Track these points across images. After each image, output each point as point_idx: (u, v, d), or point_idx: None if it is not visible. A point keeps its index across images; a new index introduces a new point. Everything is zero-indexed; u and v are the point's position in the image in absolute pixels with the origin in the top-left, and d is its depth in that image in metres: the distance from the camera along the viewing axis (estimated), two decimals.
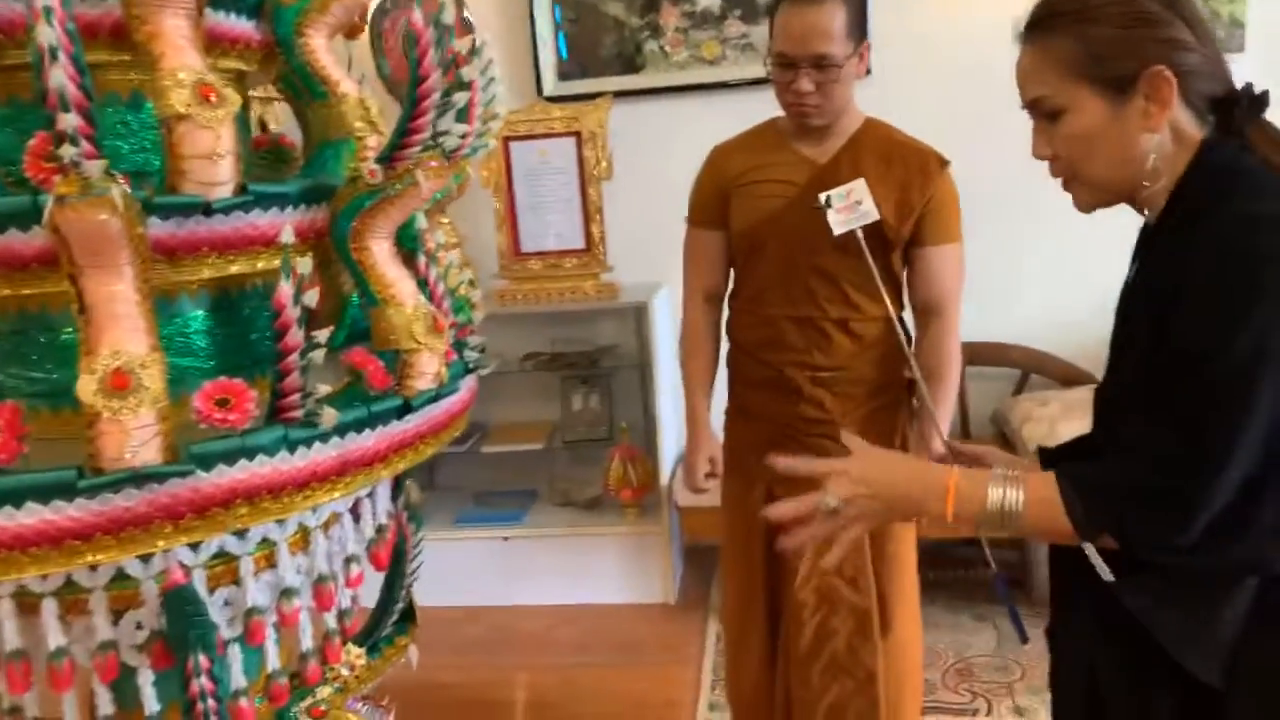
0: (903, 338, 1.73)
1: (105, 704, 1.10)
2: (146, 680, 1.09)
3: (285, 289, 1.01)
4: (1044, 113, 1.12)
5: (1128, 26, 1.05)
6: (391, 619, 1.47)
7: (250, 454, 1.00)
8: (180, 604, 1.04)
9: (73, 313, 0.96)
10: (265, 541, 1.13)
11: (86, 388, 0.93)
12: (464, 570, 3.27)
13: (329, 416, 1.05)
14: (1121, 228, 1.26)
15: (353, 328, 1.33)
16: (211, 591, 1.10)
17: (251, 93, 1.44)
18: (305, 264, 1.01)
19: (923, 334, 2.00)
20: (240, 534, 1.09)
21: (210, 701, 1.06)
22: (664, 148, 3.25)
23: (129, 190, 0.93)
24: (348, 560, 1.25)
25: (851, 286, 1.90)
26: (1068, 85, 1.08)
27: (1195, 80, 1.06)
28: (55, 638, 1.05)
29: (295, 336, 1.02)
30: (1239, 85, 1.09)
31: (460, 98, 1.18)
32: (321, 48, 1.28)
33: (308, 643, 1.21)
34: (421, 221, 1.24)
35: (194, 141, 1.03)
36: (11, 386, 1.11)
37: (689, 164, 2.11)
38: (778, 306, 1.95)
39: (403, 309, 1.17)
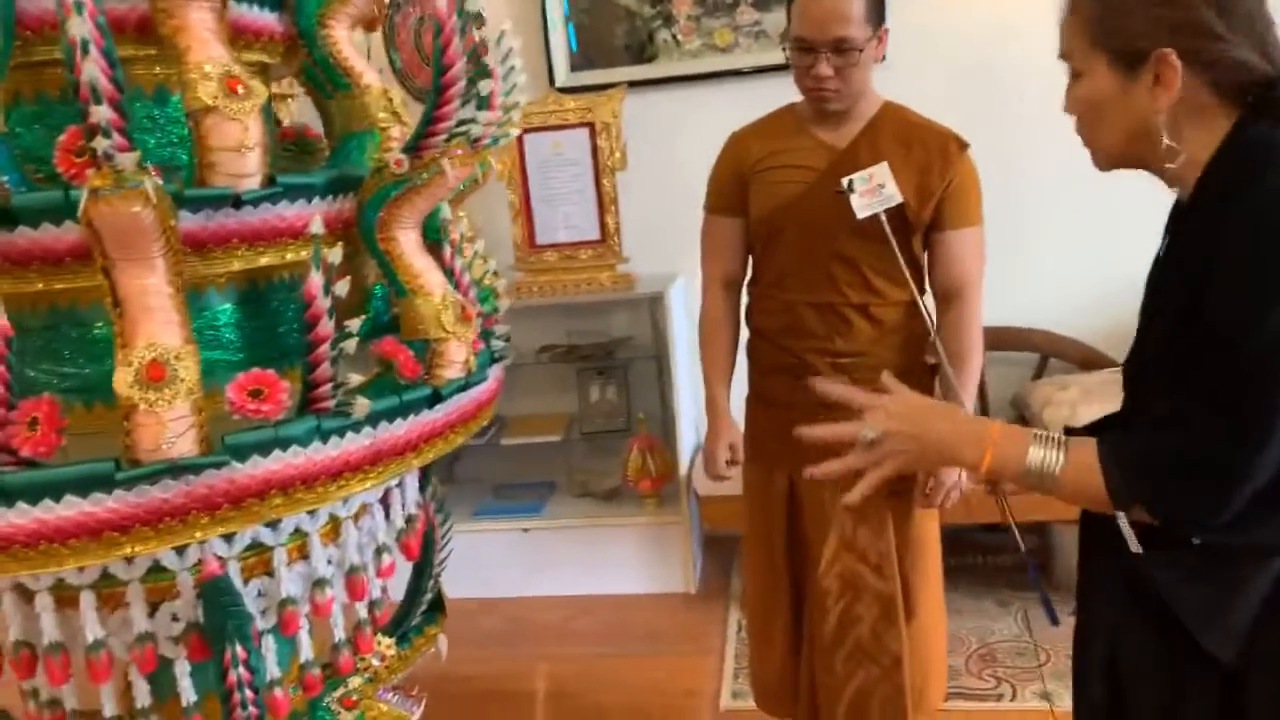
0: (929, 320, 1.71)
1: (143, 695, 1.11)
2: (183, 671, 1.10)
3: (316, 279, 1.01)
4: (1071, 71, 1.13)
5: (1148, 4, 1.04)
6: (420, 609, 1.48)
7: (284, 444, 1.01)
8: (217, 595, 1.05)
9: (106, 306, 0.96)
10: (298, 532, 1.13)
11: (123, 380, 0.93)
12: (484, 562, 3.28)
13: (361, 406, 1.05)
14: (1141, 212, 1.26)
15: (375, 319, 1.34)
16: (245, 583, 1.11)
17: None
18: (336, 254, 1.02)
19: (944, 318, 1.98)
20: (273, 525, 1.10)
21: (247, 691, 1.07)
22: (677, 137, 3.24)
23: (161, 183, 0.94)
24: (378, 550, 1.25)
25: (872, 271, 1.89)
26: (1086, 50, 1.09)
27: (1220, 70, 1.04)
28: (93, 630, 1.06)
29: (326, 326, 1.02)
30: None
31: (484, 86, 1.18)
32: (344, 39, 1.28)
33: (340, 633, 1.22)
34: (446, 212, 1.24)
35: (222, 134, 1.03)
36: (44, 382, 1.12)
37: (703, 153, 2.10)
38: (797, 292, 1.95)
39: (431, 299, 1.17)
